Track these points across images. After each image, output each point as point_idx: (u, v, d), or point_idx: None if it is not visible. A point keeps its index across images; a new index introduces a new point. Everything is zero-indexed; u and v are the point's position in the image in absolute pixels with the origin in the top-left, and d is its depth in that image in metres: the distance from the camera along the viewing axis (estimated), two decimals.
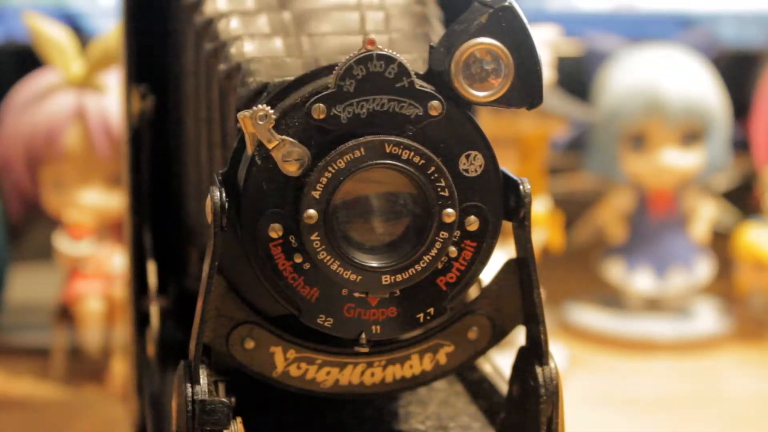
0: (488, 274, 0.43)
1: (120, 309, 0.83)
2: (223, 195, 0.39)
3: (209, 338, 0.41)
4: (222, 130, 0.48)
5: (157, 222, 0.62)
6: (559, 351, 0.93)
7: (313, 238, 0.39)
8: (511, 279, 0.43)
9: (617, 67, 1.03)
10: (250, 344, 0.41)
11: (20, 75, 0.87)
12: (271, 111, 0.38)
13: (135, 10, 0.61)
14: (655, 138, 0.99)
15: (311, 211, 0.38)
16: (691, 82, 0.99)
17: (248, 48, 0.45)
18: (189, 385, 0.39)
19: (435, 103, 0.39)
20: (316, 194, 0.38)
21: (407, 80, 0.39)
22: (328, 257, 0.39)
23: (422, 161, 0.39)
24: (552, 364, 0.42)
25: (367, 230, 0.40)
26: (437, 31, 0.48)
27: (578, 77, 1.05)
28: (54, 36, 0.82)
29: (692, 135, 0.99)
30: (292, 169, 0.39)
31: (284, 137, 0.38)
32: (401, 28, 0.47)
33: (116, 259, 0.85)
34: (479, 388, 0.49)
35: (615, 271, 1.03)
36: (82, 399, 0.80)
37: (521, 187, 0.41)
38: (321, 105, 0.39)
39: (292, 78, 0.42)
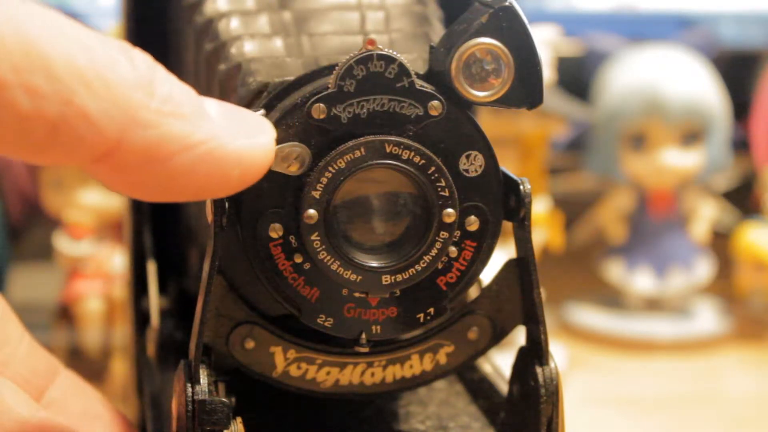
0: (488, 274, 0.43)
1: (120, 309, 0.83)
2: None
3: (209, 338, 0.41)
4: None
5: (157, 222, 0.62)
6: (559, 351, 0.93)
7: (313, 238, 0.39)
8: (511, 279, 0.43)
9: (617, 67, 1.03)
10: (250, 344, 0.41)
11: None
12: (263, 111, 0.39)
13: (135, 10, 0.61)
14: (655, 138, 0.99)
15: (311, 211, 0.38)
16: (691, 82, 0.99)
17: (248, 48, 0.45)
18: (189, 385, 0.39)
19: (435, 103, 0.39)
20: (316, 194, 0.38)
21: (407, 80, 0.39)
22: (329, 257, 0.39)
23: (422, 161, 0.39)
24: (552, 364, 0.42)
25: (368, 230, 0.40)
26: (437, 31, 0.48)
27: (578, 77, 1.05)
28: None
29: (692, 135, 0.99)
30: (292, 169, 0.39)
31: (281, 146, 0.39)
32: (401, 28, 0.47)
33: (116, 259, 0.85)
34: (479, 388, 0.49)
35: (615, 271, 1.03)
36: None
37: (521, 187, 0.41)
38: (321, 105, 0.39)
39: (292, 78, 0.42)
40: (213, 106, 0.36)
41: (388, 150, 0.39)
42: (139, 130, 0.33)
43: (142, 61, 0.34)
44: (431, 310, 0.41)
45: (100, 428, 0.46)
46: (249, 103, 0.43)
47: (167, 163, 0.34)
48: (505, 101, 0.40)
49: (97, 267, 0.85)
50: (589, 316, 1.03)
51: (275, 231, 0.39)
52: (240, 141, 0.36)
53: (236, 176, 0.36)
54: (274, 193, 0.39)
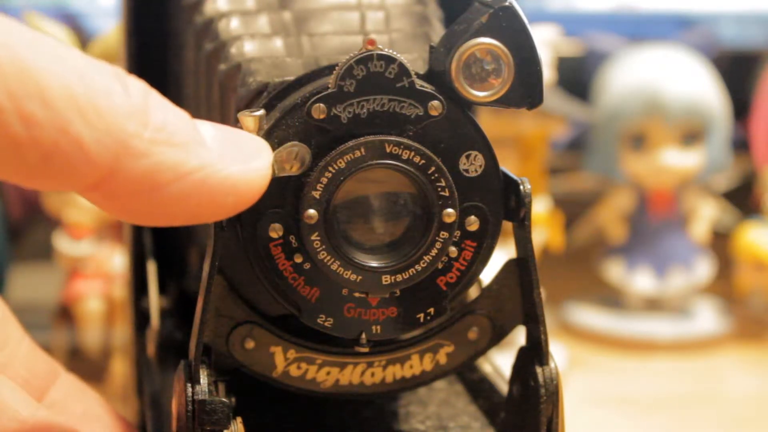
0: (488, 274, 0.43)
1: (120, 309, 0.83)
2: None
3: (209, 338, 0.41)
4: None
5: None
6: (559, 351, 0.93)
7: (313, 238, 0.39)
8: (511, 279, 0.43)
9: (617, 67, 1.03)
10: (250, 344, 0.41)
11: None
12: (263, 112, 0.39)
13: (135, 10, 0.61)
14: (655, 138, 0.99)
15: (311, 211, 0.38)
16: (691, 82, 0.99)
17: (248, 48, 0.45)
18: (189, 385, 0.39)
19: (435, 103, 0.39)
20: (316, 194, 0.38)
21: (407, 80, 0.39)
22: (329, 257, 0.39)
23: (422, 161, 0.39)
24: (552, 364, 0.42)
25: (368, 230, 0.40)
26: (437, 31, 0.48)
27: (578, 77, 1.05)
28: (54, 36, 0.82)
29: (692, 135, 0.99)
30: (293, 169, 0.39)
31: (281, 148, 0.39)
32: (401, 28, 0.47)
33: (116, 259, 0.85)
34: (479, 388, 0.49)
35: (615, 271, 1.03)
36: None
37: (521, 187, 0.41)
38: (321, 105, 0.39)
39: (292, 78, 0.42)
40: (208, 130, 0.36)
41: (388, 150, 0.39)
42: (132, 159, 0.33)
43: (136, 89, 0.34)
44: (431, 310, 0.41)
45: (100, 430, 0.46)
46: (249, 103, 0.43)
47: (161, 191, 0.34)
48: (505, 101, 0.40)
49: (97, 267, 0.85)
50: (589, 316, 1.03)
51: (275, 231, 0.39)
52: (234, 167, 0.36)
53: (231, 202, 0.36)
54: (274, 193, 0.39)
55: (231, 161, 0.36)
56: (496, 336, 0.43)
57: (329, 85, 0.39)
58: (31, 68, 0.32)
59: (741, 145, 1.08)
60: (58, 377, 0.47)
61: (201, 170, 0.35)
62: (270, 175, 0.38)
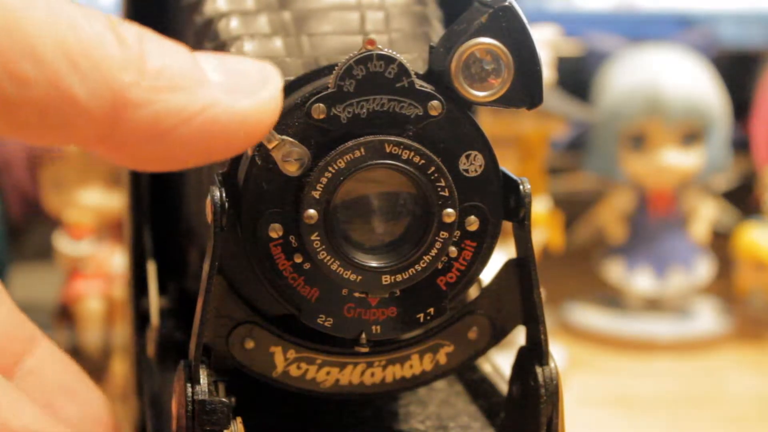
0: (488, 274, 0.43)
1: (120, 309, 0.83)
2: (223, 195, 0.39)
3: (209, 338, 0.40)
4: None
5: (157, 222, 0.62)
6: (559, 351, 0.93)
7: (313, 238, 0.39)
8: (511, 279, 0.43)
9: (617, 67, 1.03)
10: (250, 344, 0.41)
11: None
12: None
13: (135, 10, 0.61)
14: (655, 138, 0.99)
15: (311, 211, 0.38)
16: (691, 82, 1.00)
17: (248, 48, 0.45)
18: (189, 385, 0.39)
19: (435, 103, 0.39)
20: (316, 194, 0.38)
21: (407, 80, 0.39)
22: (329, 257, 0.39)
23: (422, 161, 0.39)
24: (552, 364, 0.42)
25: (367, 230, 0.40)
26: (437, 31, 0.48)
27: (578, 77, 1.05)
28: None
29: (692, 135, 0.99)
30: (292, 169, 0.39)
31: (284, 137, 0.39)
32: (401, 28, 0.47)
33: (116, 259, 0.85)
34: (479, 388, 0.49)
35: (615, 271, 1.03)
36: None
37: (521, 187, 0.41)
38: (321, 105, 0.39)
39: (292, 78, 0.42)
40: (211, 64, 0.35)
41: (387, 150, 0.39)
42: (133, 109, 0.32)
43: (130, 35, 0.33)
44: (431, 310, 0.41)
45: (74, 404, 0.44)
46: None
47: (169, 136, 0.33)
48: (505, 101, 0.40)
49: (97, 267, 0.85)
50: (589, 316, 1.03)
51: (275, 231, 0.39)
52: (242, 102, 0.34)
53: (242, 136, 0.35)
54: (274, 193, 0.39)
55: (238, 95, 0.34)
56: (496, 336, 0.43)
57: (329, 85, 0.39)
58: (19, 22, 0.31)
59: (741, 145, 1.08)
60: (37, 344, 0.45)
61: (207, 109, 0.33)
62: (280, 102, 0.36)
